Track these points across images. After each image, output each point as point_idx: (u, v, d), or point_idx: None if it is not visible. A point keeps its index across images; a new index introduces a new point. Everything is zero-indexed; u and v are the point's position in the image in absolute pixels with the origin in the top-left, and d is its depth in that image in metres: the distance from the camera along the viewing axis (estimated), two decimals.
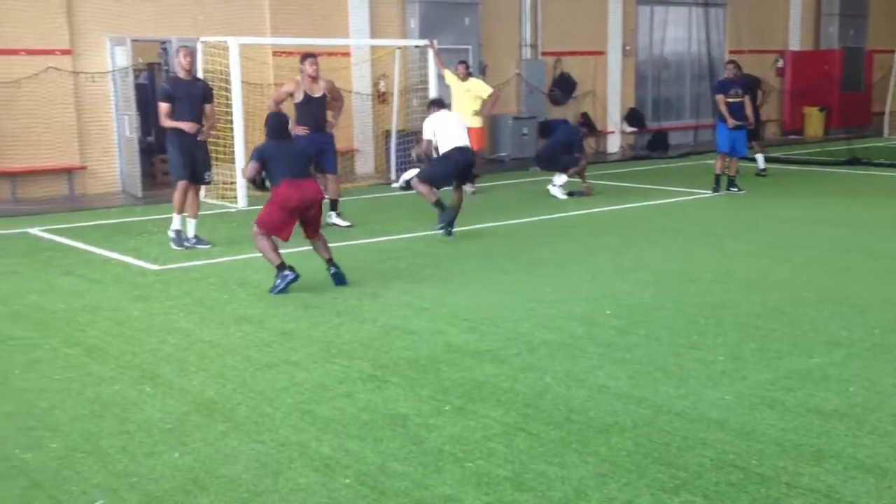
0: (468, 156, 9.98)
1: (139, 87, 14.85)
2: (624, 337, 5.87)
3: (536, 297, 6.96)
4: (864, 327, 5.98)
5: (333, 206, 10.29)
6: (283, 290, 7.03)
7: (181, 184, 8.98)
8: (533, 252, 8.74)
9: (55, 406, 4.79)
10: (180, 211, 9.06)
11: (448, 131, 9.93)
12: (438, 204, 9.61)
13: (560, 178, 12.45)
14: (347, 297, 6.98)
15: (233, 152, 11.79)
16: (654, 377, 5.07)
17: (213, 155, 12.72)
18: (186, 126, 8.84)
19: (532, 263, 8.19)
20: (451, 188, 9.96)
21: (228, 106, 11.86)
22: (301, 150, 7.76)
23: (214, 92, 12.62)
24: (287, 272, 7.07)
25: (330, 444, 4.21)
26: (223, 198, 12.21)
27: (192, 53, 9.32)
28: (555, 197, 12.28)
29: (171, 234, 9.12)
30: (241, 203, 11.86)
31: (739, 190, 12.62)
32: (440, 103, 10.69)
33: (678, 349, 5.58)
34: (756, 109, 13.81)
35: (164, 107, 8.88)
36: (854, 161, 15.79)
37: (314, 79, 9.88)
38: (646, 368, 5.23)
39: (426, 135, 10.00)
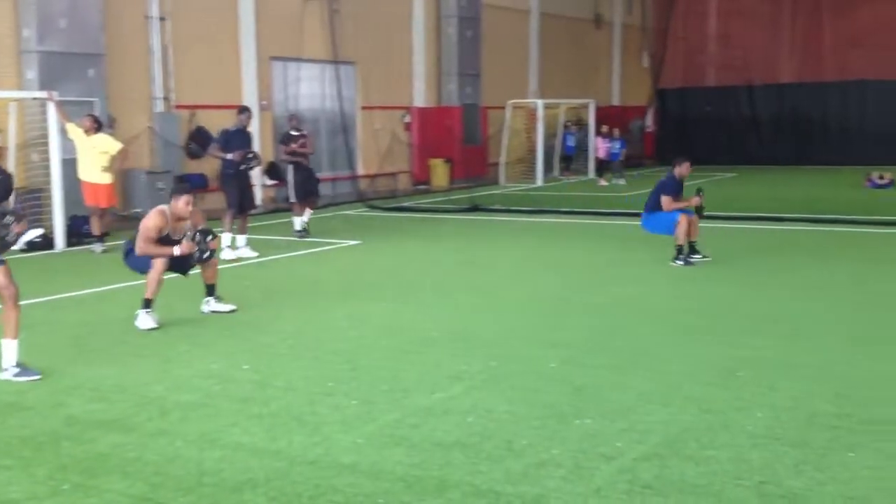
0: None
1: None
2: (261, 390, 5.84)
3: (171, 356, 6.72)
4: (482, 360, 6.47)
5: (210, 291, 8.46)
6: None
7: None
8: (166, 311, 8.41)
9: None
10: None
11: None
12: None
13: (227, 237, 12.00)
14: None
15: None
16: (290, 428, 5.09)
17: None
18: None
19: (166, 322, 7.88)
20: None
21: None
22: None
23: None
24: None
25: None
26: None
27: None
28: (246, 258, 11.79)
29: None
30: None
31: (704, 257, 10.74)
32: None
33: (314, 397, 5.66)
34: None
35: None
36: (474, 208, 17.20)
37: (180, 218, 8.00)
38: (282, 420, 5.24)
39: None
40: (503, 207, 17.36)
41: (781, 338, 7.01)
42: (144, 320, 7.73)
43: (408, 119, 23.72)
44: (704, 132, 31.01)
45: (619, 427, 5.00)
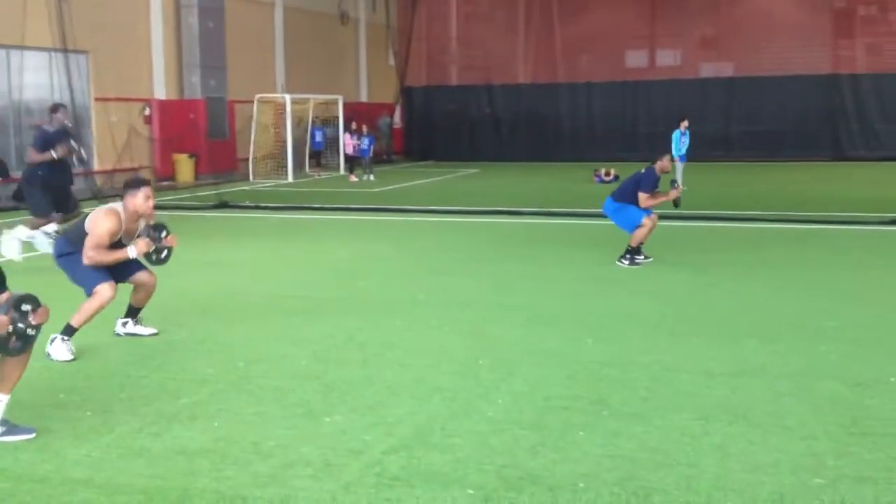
0: None
1: None
2: None
3: None
4: (229, 361, 6.31)
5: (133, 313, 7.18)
6: None
7: None
8: None
9: None
10: None
11: None
12: None
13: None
14: None
15: None
16: (15, 445, 4.70)
17: None
18: None
19: None
20: None
21: None
22: None
23: None
24: None
25: None
26: None
27: None
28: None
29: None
30: None
31: (647, 258, 10.34)
32: None
33: (44, 411, 5.27)
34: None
35: None
36: (223, 205, 16.74)
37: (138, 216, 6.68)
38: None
39: None
40: (252, 204, 17.03)
41: (519, 325, 7.39)
42: (60, 350, 6.44)
43: (148, 112, 22.66)
44: (449, 129, 32.13)
45: (369, 421, 5.05)
